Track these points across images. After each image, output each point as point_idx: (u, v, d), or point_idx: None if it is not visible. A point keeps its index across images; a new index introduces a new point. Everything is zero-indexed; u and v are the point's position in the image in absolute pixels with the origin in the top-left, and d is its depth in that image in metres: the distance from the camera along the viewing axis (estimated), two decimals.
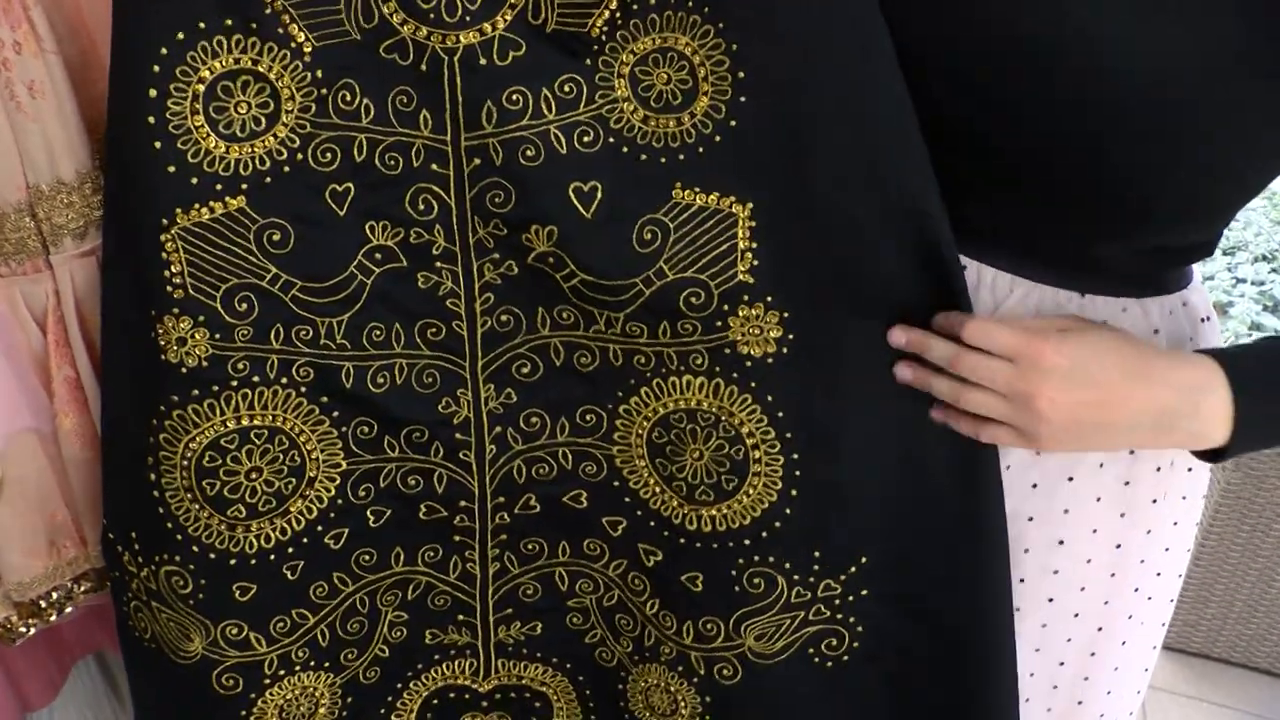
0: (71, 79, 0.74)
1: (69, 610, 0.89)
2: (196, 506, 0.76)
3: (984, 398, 0.69)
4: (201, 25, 0.65)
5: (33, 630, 0.88)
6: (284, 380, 0.75)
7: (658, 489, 0.79)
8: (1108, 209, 0.67)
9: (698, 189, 0.70)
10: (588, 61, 0.68)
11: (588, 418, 0.78)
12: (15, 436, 0.81)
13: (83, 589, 0.89)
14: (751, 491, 0.76)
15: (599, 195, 0.70)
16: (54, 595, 0.88)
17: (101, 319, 0.76)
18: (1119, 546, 0.81)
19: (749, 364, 0.73)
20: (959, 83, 0.68)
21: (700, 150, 0.69)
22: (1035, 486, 0.79)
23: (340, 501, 0.79)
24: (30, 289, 0.78)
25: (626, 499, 0.80)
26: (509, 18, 0.67)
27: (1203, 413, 0.66)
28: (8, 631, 0.88)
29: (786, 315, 0.72)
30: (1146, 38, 0.61)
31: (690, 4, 0.66)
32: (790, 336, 0.72)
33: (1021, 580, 0.82)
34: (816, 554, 0.77)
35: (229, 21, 0.66)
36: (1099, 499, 0.79)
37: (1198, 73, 0.61)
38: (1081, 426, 0.67)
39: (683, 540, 0.79)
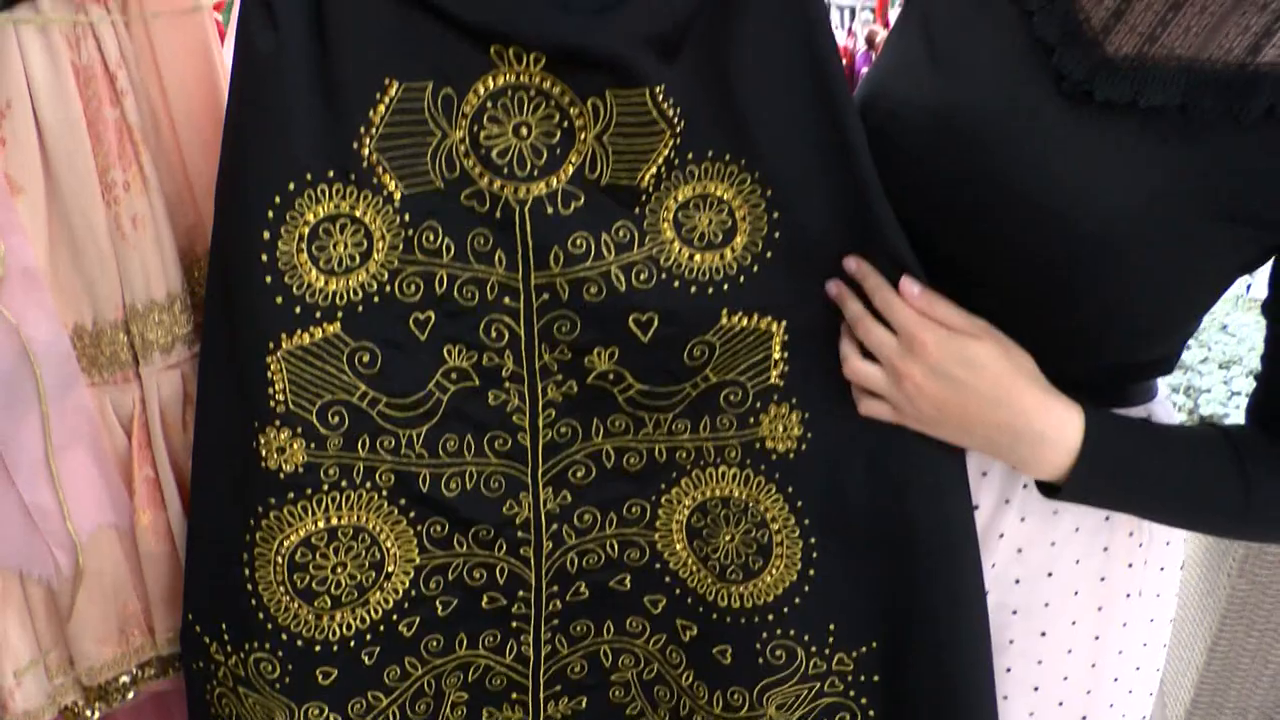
0: (168, 212, 0.85)
1: (132, 695, 0.95)
2: (287, 598, 0.84)
3: (863, 366, 0.79)
4: (308, 176, 0.76)
5: (97, 715, 0.95)
6: (368, 484, 0.84)
7: (695, 568, 0.88)
8: (1067, 334, 0.77)
9: (741, 313, 0.81)
10: (637, 210, 0.80)
11: (633, 510, 0.88)
12: (97, 531, 0.89)
13: (147, 675, 0.96)
14: (775, 571, 0.86)
15: (655, 323, 0.81)
16: (121, 680, 0.94)
17: (197, 427, 0.85)
18: (1097, 638, 0.88)
19: (774, 457, 0.84)
20: (942, 220, 0.78)
21: (741, 280, 0.80)
22: (1018, 582, 0.86)
23: (414, 593, 0.87)
24: (119, 397, 0.87)
25: (667, 579, 0.89)
26: (570, 172, 0.79)
27: (1041, 456, 0.76)
28: (74, 716, 0.95)
29: (807, 416, 0.83)
30: (1099, 188, 0.71)
31: (728, 157, 0.78)
32: (809, 435, 0.83)
33: (1008, 670, 0.89)
34: (832, 627, 0.86)
35: (331, 172, 0.76)
36: (1077, 593, 0.86)
37: (1144, 218, 0.71)
38: (940, 420, 0.77)
39: (715, 615, 0.88)
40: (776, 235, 0.79)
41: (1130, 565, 0.86)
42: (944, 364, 0.76)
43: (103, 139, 0.80)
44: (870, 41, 1.77)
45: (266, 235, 0.76)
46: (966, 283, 0.78)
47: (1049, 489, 0.79)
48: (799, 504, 0.85)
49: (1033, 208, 0.73)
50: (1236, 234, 0.72)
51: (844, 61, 2.22)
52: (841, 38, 1.90)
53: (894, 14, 0.96)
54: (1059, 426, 0.75)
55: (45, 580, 0.88)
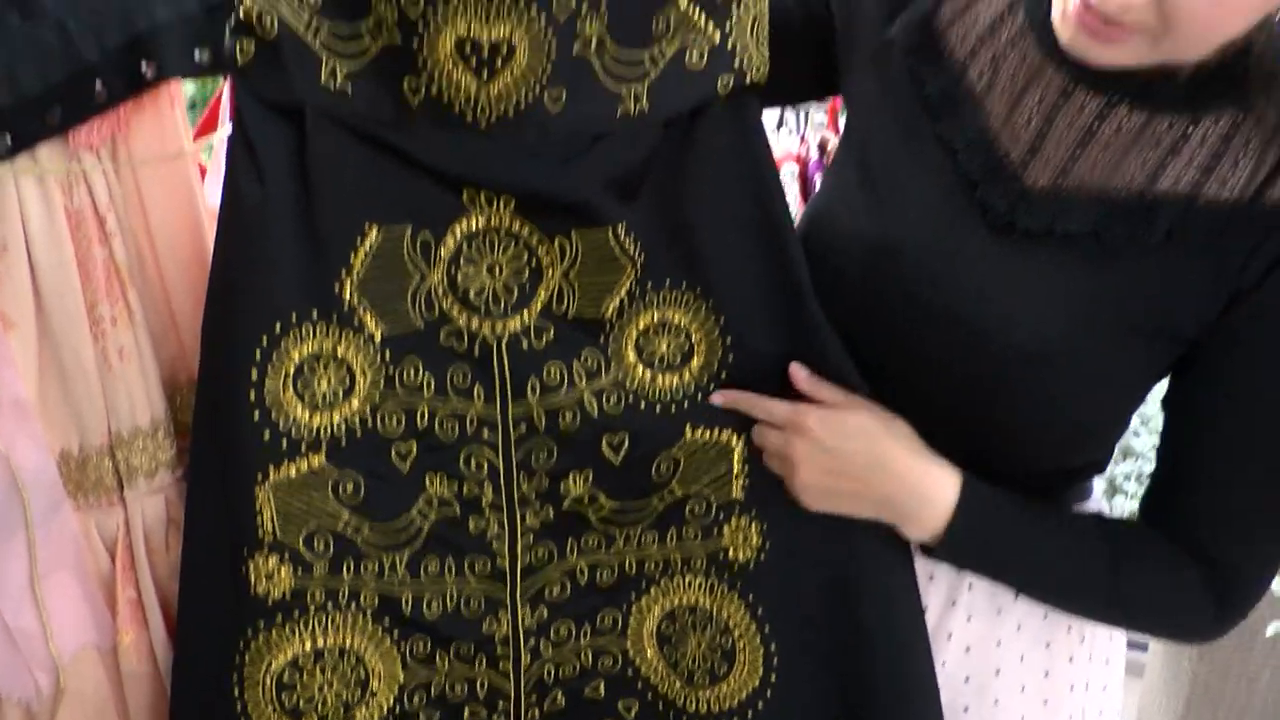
0: (152, 343, 0.89)
1: None
2: (276, 716, 0.86)
3: (767, 435, 0.85)
4: (293, 317, 0.80)
5: None
6: (353, 607, 0.87)
7: (665, 674, 0.91)
8: (999, 443, 0.82)
9: (703, 428, 0.86)
10: (603, 338, 0.86)
11: (606, 620, 0.91)
12: (79, 652, 0.91)
13: None
14: (738, 676, 0.89)
15: (626, 445, 0.86)
16: None
17: (184, 552, 0.88)
18: None
19: (736, 567, 0.88)
20: (882, 341, 0.84)
21: (699, 398, 0.86)
22: (968, 680, 0.90)
23: (398, 709, 0.90)
24: (103, 520, 0.90)
25: (639, 685, 0.92)
26: (539, 307, 0.84)
27: (921, 515, 0.82)
28: None
29: (766, 526, 0.87)
30: (1023, 311, 0.78)
31: (684, 286, 0.84)
32: (768, 544, 0.88)
33: None
34: None
35: (314, 313, 0.81)
36: (1024, 688, 0.90)
37: (1064, 336, 0.77)
38: (829, 492, 0.83)
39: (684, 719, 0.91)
40: (730, 358, 0.85)
41: (1072, 659, 0.91)
42: (826, 439, 0.82)
43: (92, 277, 0.84)
44: (823, 148, 1.85)
45: (254, 374, 0.80)
46: (906, 398, 0.84)
47: (926, 549, 0.85)
48: (759, 611, 0.89)
49: (963, 331, 0.80)
50: (1149, 346, 0.78)
51: (797, 167, 2.31)
52: (795, 143, 1.98)
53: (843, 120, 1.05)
54: (936, 488, 0.81)
55: (25, 702, 0.90)
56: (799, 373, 0.84)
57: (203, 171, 0.95)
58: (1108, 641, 0.92)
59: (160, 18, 0.79)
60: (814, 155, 2.22)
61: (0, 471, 0.83)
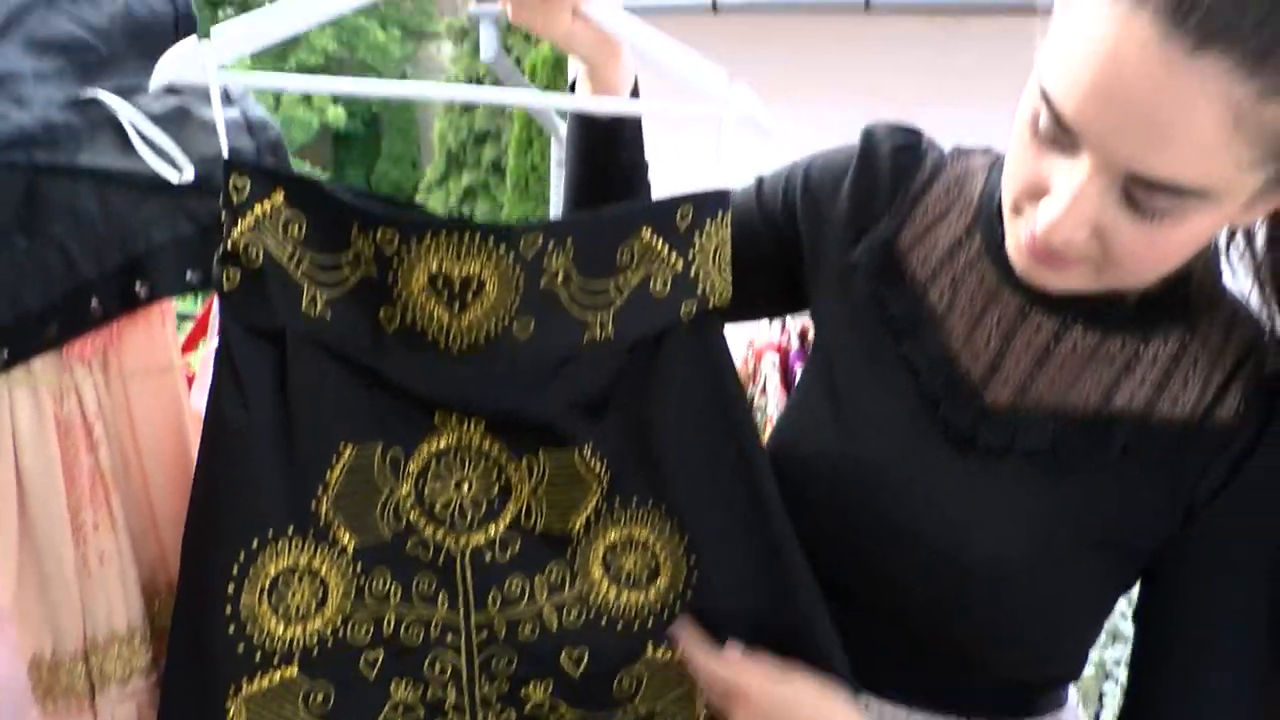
0: (133, 548, 0.90)
1: None
2: None
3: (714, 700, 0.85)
4: (270, 533, 0.82)
5: None
6: None
7: None
8: (964, 657, 0.83)
9: (665, 648, 0.87)
10: (569, 553, 0.87)
11: None
12: None
13: None
14: None
15: (585, 660, 0.87)
16: None
17: None
18: None
19: None
20: (847, 558, 0.86)
21: (665, 616, 0.87)
22: None
23: None
24: None
25: None
26: (507, 521, 0.87)
27: None
28: None
29: None
30: (984, 527, 0.80)
31: (650, 503, 0.86)
32: None
33: None
34: None
35: (290, 529, 0.83)
36: None
37: (1025, 551, 0.79)
38: None
39: None
40: (694, 576, 0.86)
41: None
42: (764, 706, 0.81)
43: (77, 483, 0.86)
44: (803, 337, 1.90)
45: (231, 589, 0.81)
46: (871, 614, 0.85)
47: None
48: None
49: (925, 550, 0.82)
50: (1108, 560, 0.80)
51: (778, 357, 2.37)
52: (776, 333, 2.04)
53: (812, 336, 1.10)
54: None
55: None
56: (733, 649, 0.85)
57: (190, 378, 0.99)
58: None
59: (156, 240, 0.83)
60: (794, 344, 2.28)
61: None
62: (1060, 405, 0.81)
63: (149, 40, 0.94)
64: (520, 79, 5.59)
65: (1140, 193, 0.66)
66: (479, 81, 14.18)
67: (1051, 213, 0.70)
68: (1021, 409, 0.82)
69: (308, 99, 15.58)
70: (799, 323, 2.31)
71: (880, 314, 0.89)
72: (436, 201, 15.28)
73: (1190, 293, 0.79)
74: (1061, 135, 0.69)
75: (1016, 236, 0.77)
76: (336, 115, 16.37)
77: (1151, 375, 0.79)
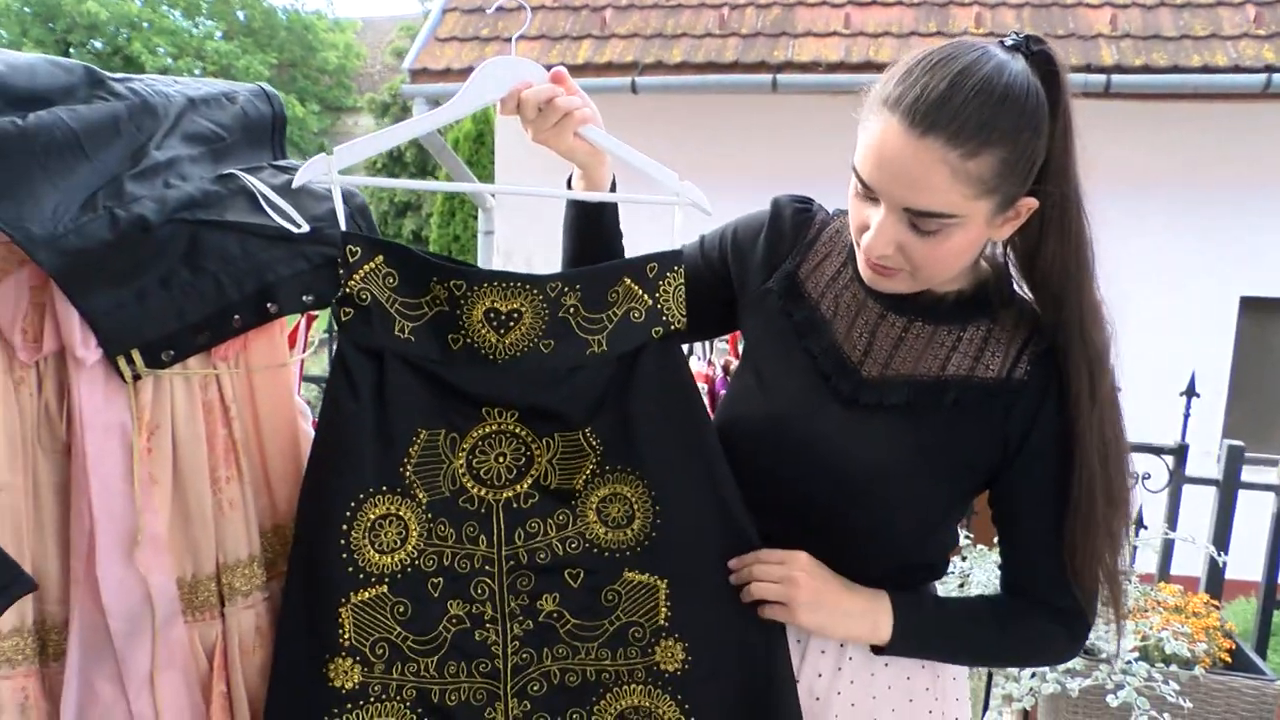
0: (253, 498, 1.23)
1: None
2: None
3: (765, 586, 1.18)
4: (370, 489, 1.17)
5: None
6: (399, 697, 1.19)
7: None
8: (858, 546, 1.22)
9: (637, 571, 1.22)
10: (573, 502, 1.23)
11: (574, 716, 1.23)
12: None
13: None
14: None
15: (582, 576, 1.22)
16: None
17: (276, 654, 1.19)
18: None
19: (667, 675, 1.22)
20: (772, 489, 1.23)
21: (638, 549, 1.22)
22: None
23: None
24: (205, 631, 1.21)
25: None
26: (529, 482, 1.22)
27: (877, 622, 1.21)
28: None
29: (687, 645, 1.22)
30: (867, 456, 1.18)
31: (628, 469, 1.21)
32: (690, 658, 1.22)
33: None
34: None
35: (384, 487, 1.18)
36: None
37: (895, 470, 1.18)
38: (819, 604, 1.18)
39: None
40: (659, 522, 1.21)
41: (930, 712, 1.28)
42: (813, 570, 1.20)
43: (215, 448, 1.19)
44: (726, 369, 2.30)
45: (344, 527, 1.15)
46: (790, 521, 1.23)
47: (875, 649, 1.23)
48: (686, 707, 1.22)
49: (823, 467, 1.19)
50: (953, 476, 1.19)
51: (707, 386, 2.77)
52: (704, 367, 2.44)
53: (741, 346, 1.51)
54: (875, 596, 1.21)
55: None
56: (773, 553, 1.23)
57: (300, 376, 1.32)
58: (952, 682, 1.30)
59: (282, 273, 1.18)
60: (719, 375, 2.69)
61: (140, 588, 1.15)
62: (912, 374, 1.21)
63: (256, 133, 1.30)
64: (450, 151, 5.97)
65: (917, 220, 1.10)
66: (400, 155, 14.50)
67: (869, 239, 1.14)
68: (886, 378, 1.22)
69: None
70: (721, 358, 2.71)
71: (788, 321, 1.28)
72: None
73: (990, 295, 1.22)
74: (868, 193, 1.13)
75: (861, 260, 1.18)
76: None
77: (970, 351, 1.20)
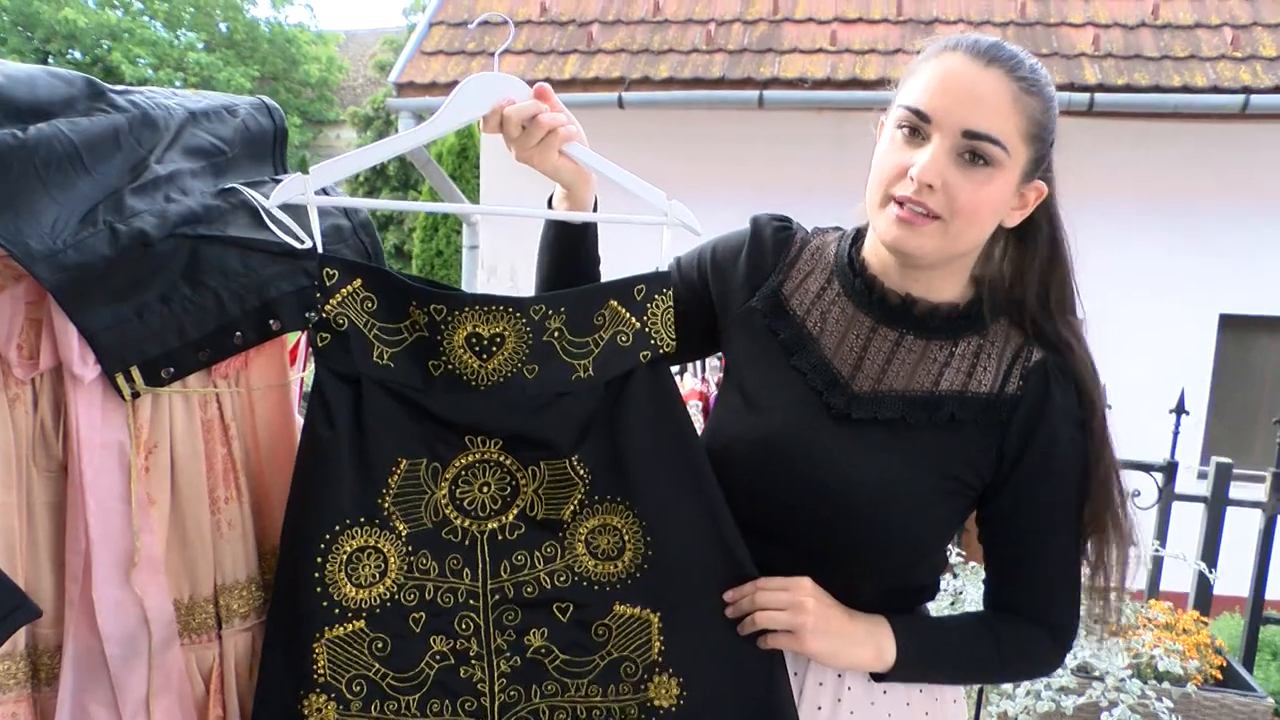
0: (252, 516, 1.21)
1: None
2: None
3: (770, 615, 1.16)
4: (348, 520, 1.13)
5: None
6: None
7: None
8: (850, 569, 1.19)
9: (629, 605, 1.19)
10: (560, 534, 1.19)
11: None
12: None
13: None
14: None
15: (570, 610, 1.19)
16: None
17: (257, 693, 1.16)
18: None
19: (660, 712, 1.18)
20: (765, 513, 1.22)
21: (629, 582, 1.19)
22: None
23: None
24: (202, 653, 1.19)
25: None
26: (515, 513, 1.19)
27: (881, 646, 1.19)
28: None
29: (681, 680, 1.19)
30: (860, 473, 1.17)
31: (618, 499, 1.19)
32: (684, 694, 1.18)
33: None
34: None
35: (363, 518, 1.14)
36: None
37: (889, 488, 1.16)
38: (826, 630, 1.16)
39: None
40: (650, 553, 1.18)
41: None
42: (820, 597, 1.18)
43: (214, 467, 1.17)
44: (720, 387, 2.35)
45: (319, 560, 1.12)
46: (783, 544, 1.20)
47: (876, 676, 1.21)
48: None
49: (817, 486, 1.17)
50: (949, 492, 1.18)
51: (701, 403, 2.76)
52: (698, 384, 2.43)
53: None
54: (876, 623, 1.19)
55: None
56: (776, 580, 1.20)
57: (301, 389, 1.30)
58: (952, 705, 1.29)
59: (284, 290, 1.16)
60: (713, 391, 2.68)
61: (136, 610, 1.13)
62: (905, 389, 1.20)
63: (258, 147, 1.29)
64: (434, 164, 5.96)
65: (973, 144, 1.11)
66: (384, 169, 14.47)
67: (921, 163, 1.12)
68: (879, 393, 1.20)
69: None
70: (715, 375, 2.71)
71: (774, 339, 1.26)
72: None
73: (982, 311, 1.21)
74: (916, 130, 1.13)
75: (886, 218, 1.15)
76: None
77: (963, 366, 1.19)
